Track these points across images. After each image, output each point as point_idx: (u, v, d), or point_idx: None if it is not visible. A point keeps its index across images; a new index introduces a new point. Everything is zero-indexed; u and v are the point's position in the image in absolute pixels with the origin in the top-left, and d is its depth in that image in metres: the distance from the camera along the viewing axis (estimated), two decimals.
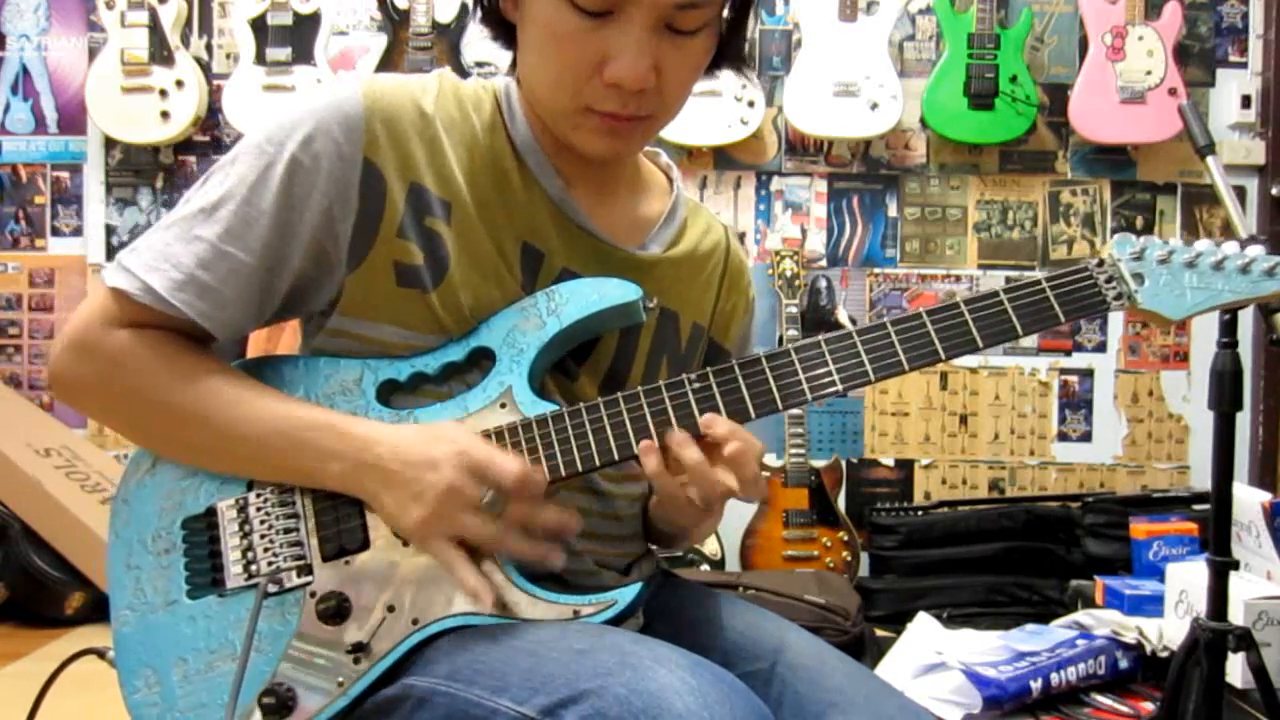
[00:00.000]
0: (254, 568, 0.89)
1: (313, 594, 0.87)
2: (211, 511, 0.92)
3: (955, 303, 0.89)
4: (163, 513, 0.92)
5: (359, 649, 0.85)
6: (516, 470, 0.84)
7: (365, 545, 0.88)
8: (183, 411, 0.90)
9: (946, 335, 0.88)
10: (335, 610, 0.86)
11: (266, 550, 0.89)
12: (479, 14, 0.98)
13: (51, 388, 0.95)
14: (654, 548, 1.11)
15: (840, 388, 0.88)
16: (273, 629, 0.87)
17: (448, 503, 0.83)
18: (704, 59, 0.93)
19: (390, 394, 0.93)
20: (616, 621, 0.85)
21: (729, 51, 0.96)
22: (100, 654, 0.98)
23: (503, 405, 0.90)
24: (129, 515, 0.94)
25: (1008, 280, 0.91)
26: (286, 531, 0.90)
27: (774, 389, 0.88)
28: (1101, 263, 0.90)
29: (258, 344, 2.61)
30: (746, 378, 0.89)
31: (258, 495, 0.91)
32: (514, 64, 0.98)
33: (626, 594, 0.85)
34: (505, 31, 0.96)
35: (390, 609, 0.86)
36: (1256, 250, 0.90)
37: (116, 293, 0.89)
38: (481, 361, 0.92)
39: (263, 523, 0.90)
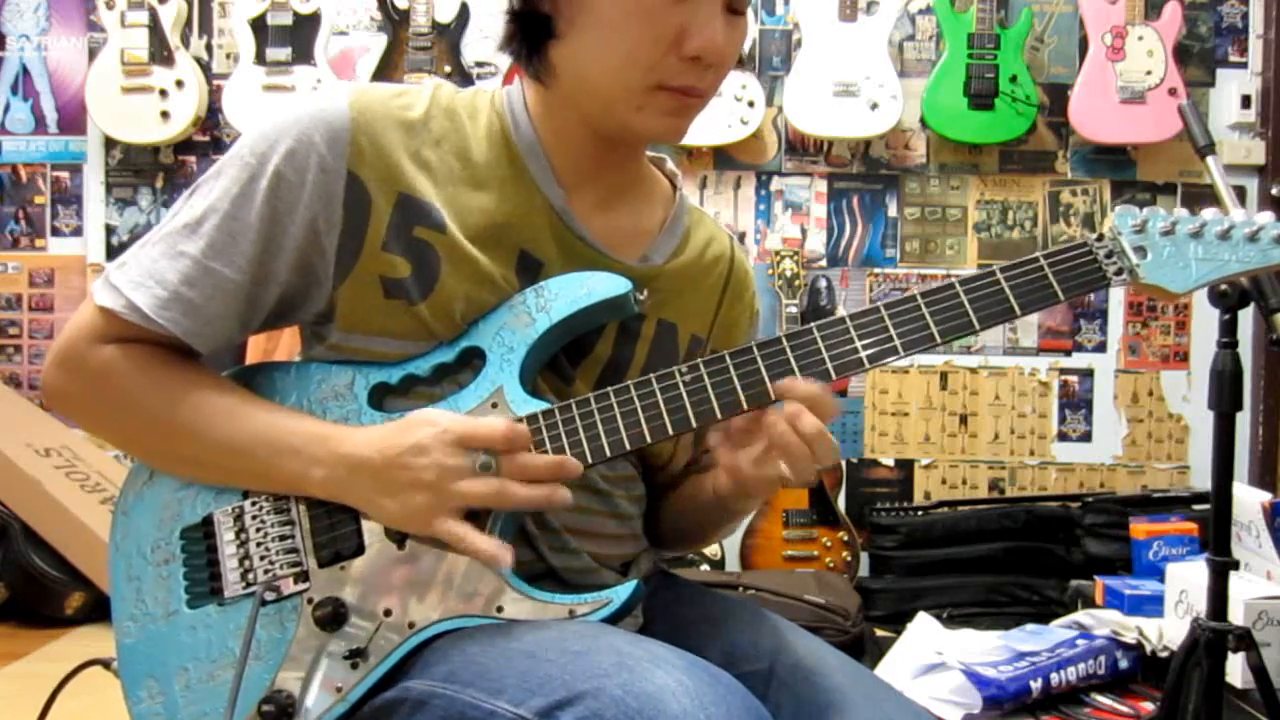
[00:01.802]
0: (251, 576, 0.89)
1: (309, 600, 0.87)
2: (208, 521, 0.92)
3: (950, 283, 0.86)
4: (161, 523, 0.93)
5: (356, 654, 0.85)
6: (501, 429, 0.84)
7: (360, 550, 0.88)
8: (168, 425, 0.90)
9: (942, 318, 0.86)
10: (332, 616, 0.85)
11: (263, 558, 0.89)
12: (510, 9, 0.94)
13: (46, 399, 0.96)
14: (656, 550, 1.11)
15: (834, 376, 0.87)
16: (271, 636, 0.87)
17: (444, 479, 0.83)
18: (744, 42, 0.94)
19: (382, 397, 0.92)
20: (614, 620, 0.85)
21: None
22: (105, 664, 0.98)
23: (494, 405, 0.89)
24: (128, 526, 0.94)
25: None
26: (282, 539, 0.90)
27: (765, 377, 0.87)
28: (1101, 237, 0.87)
29: (257, 347, 2.61)
30: (738, 367, 0.87)
31: (253, 504, 0.91)
32: (522, 64, 0.96)
33: (622, 592, 0.85)
34: (534, 27, 0.92)
35: (387, 613, 0.86)
36: (1266, 217, 0.86)
37: (104, 310, 0.90)
38: (472, 361, 0.92)
39: (259, 530, 0.90)
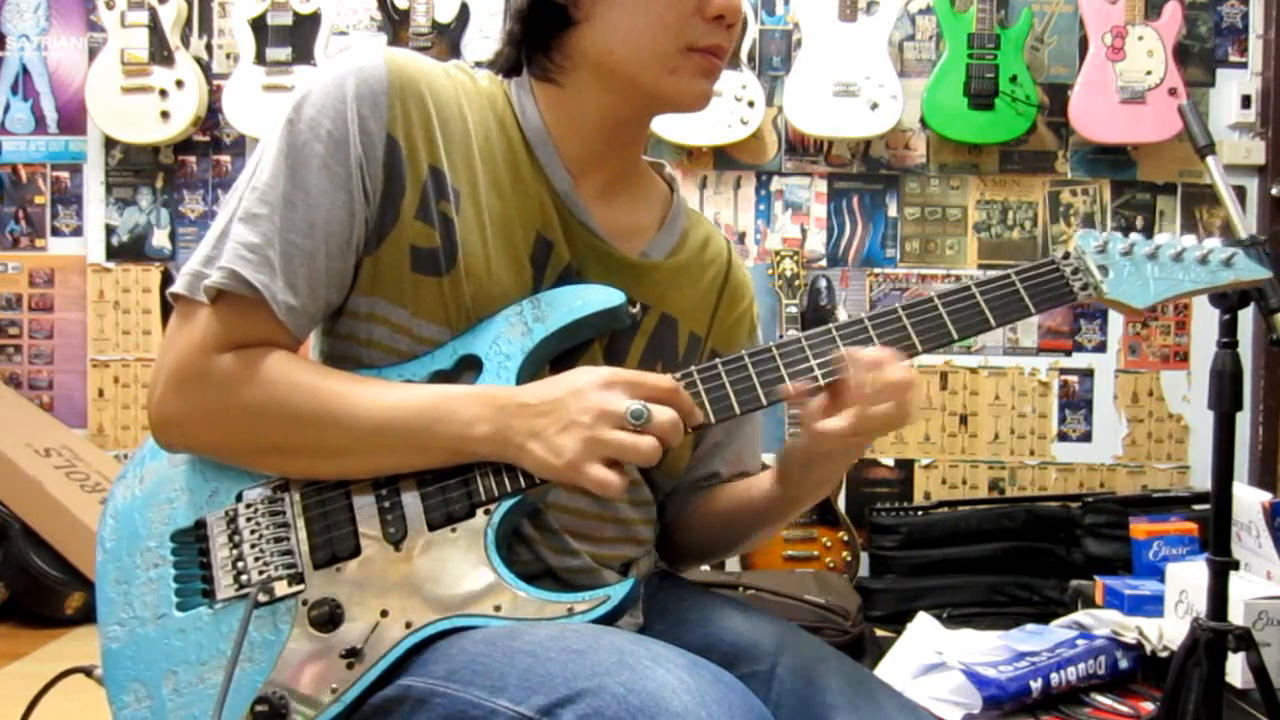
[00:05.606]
0: (244, 578, 0.89)
1: (304, 602, 0.87)
2: (201, 524, 0.91)
3: (929, 297, 0.92)
4: (151, 527, 0.92)
5: (352, 654, 0.85)
6: (669, 380, 0.87)
7: (356, 552, 0.88)
8: (313, 416, 0.88)
9: (923, 329, 0.91)
10: (328, 617, 0.85)
11: (257, 560, 0.89)
12: (519, 9, 0.96)
13: (158, 430, 0.91)
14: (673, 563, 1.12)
15: (823, 384, 0.89)
16: (264, 638, 0.87)
17: (600, 423, 0.84)
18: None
19: None
20: (613, 618, 0.85)
21: None
22: (87, 672, 0.98)
23: None
24: (117, 530, 0.94)
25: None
26: (277, 540, 0.89)
27: (757, 385, 0.90)
28: (1067, 255, 0.94)
29: None
30: (730, 374, 0.90)
31: (247, 506, 0.91)
32: (528, 55, 0.98)
33: (619, 590, 0.86)
34: (548, 21, 0.95)
35: (383, 614, 0.86)
36: (1213, 242, 0.95)
37: (220, 295, 0.87)
38: (469, 368, 0.92)
39: (253, 533, 0.90)
